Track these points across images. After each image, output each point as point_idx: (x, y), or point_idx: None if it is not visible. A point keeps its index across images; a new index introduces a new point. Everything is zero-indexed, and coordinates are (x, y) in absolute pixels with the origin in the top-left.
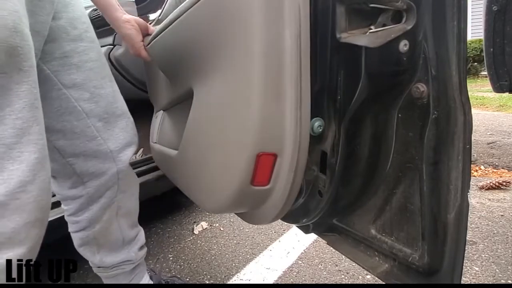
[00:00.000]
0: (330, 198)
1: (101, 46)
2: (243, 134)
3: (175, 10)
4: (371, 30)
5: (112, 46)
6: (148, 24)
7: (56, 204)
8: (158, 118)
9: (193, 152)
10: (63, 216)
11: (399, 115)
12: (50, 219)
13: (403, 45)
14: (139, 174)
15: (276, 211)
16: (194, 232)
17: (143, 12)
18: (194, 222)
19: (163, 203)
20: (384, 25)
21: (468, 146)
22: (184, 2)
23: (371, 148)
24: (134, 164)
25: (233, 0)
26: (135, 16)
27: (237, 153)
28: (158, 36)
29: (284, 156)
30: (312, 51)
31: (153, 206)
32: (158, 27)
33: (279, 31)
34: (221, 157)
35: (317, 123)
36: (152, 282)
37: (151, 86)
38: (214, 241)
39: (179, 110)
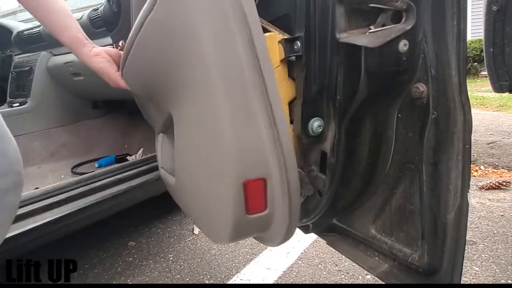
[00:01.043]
0: (330, 198)
1: (100, 46)
2: (222, 163)
3: (130, 35)
4: (370, 30)
5: (111, 46)
6: (119, 51)
7: (53, 206)
8: (159, 141)
9: (185, 182)
10: (61, 216)
11: (399, 115)
12: (48, 219)
13: (403, 45)
14: (139, 174)
15: (282, 233)
16: (194, 232)
17: (116, 39)
18: (194, 222)
19: (163, 203)
20: (383, 25)
21: (467, 146)
22: (133, 26)
23: (371, 148)
24: (134, 164)
25: (176, 18)
26: (105, 47)
27: (223, 184)
28: (125, 63)
29: (273, 179)
30: (312, 51)
31: (153, 206)
32: (123, 54)
33: (229, 42)
34: (209, 188)
35: (317, 123)
36: None
37: (144, 110)
38: None
39: (172, 133)
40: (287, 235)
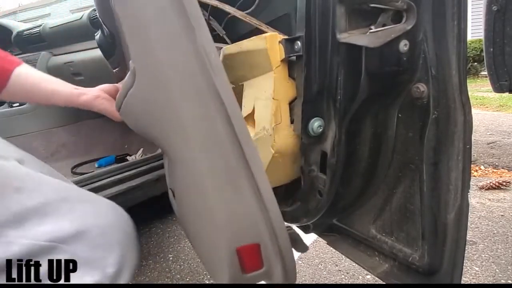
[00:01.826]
0: (330, 198)
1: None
2: (214, 232)
3: (117, 98)
4: (371, 30)
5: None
6: (116, 85)
7: None
8: (166, 161)
9: (186, 227)
10: None
11: (399, 115)
12: None
13: (403, 45)
14: (139, 174)
15: (283, 280)
16: None
17: (114, 66)
18: None
19: (163, 203)
20: (384, 25)
21: (468, 146)
22: (119, 94)
23: (371, 148)
24: (134, 164)
25: (154, 97)
26: (101, 85)
27: (216, 248)
28: (122, 105)
29: (265, 243)
30: (312, 51)
31: (153, 206)
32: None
33: (209, 122)
34: (204, 247)
35: (317, 123)
36: None
37: None
38: None
39: None
40: (289, 281)
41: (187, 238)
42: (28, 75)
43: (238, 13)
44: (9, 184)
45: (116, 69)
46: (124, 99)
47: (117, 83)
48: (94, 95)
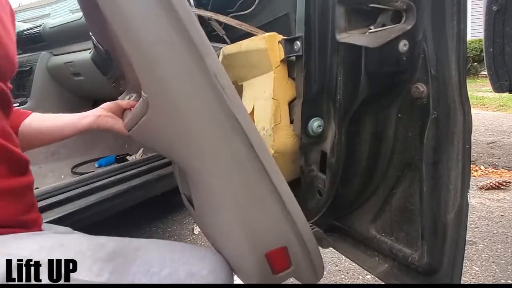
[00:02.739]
0: (329, 198)
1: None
2: (241, 240)
3: (126, 121)
4: (370, 30)
5: None
6: (118, 102)
7: (53, 206)
8: (176, 166)
9: (210, 236)
10: (61, 216)
11: (399, 115)
12: (48, 219)
13: (403, 45)
14: (139, 174)
15: (311, 279)
16: (194, 232)
17: (113, 81)
18: (194, 222)
19: (163, 203)
20: (383, 25)
21: (467, 146)
22: (128, 119)
23: (371, 148)
24: (134, 164)
25: (167, 126)
26: (102, 104)
27: (245, 255)
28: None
29: (293, 246)
30: (312, 51)
31: (153, 206)
32: (129, 119)
33: (226, 141)
34: (234, 254)
35: (317, 123)
36: None
37: None
38: None
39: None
40: (318, 277)
41: (207, 240)
42: (30, 123)
43: (233, 22)
44: (127, 246)
45: (114, 84)
46: (136, 124)
47: (117, 96)
48: (97, 115)
